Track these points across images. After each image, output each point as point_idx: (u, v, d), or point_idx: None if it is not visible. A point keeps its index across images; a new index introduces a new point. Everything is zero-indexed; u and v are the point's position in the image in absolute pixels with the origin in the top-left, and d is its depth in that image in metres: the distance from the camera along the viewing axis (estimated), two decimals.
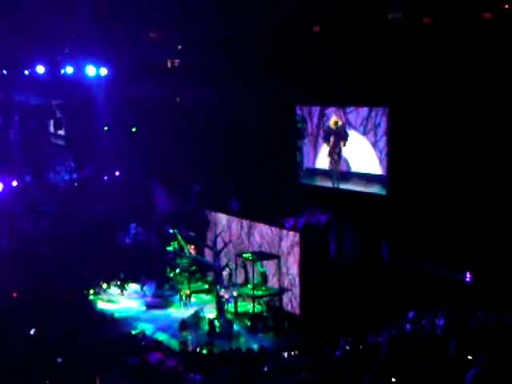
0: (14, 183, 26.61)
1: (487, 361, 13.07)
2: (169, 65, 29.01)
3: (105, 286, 24.73)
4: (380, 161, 21.83)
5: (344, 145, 23.15)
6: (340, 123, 23.18)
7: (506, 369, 13.07)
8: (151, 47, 27.02)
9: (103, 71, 27.77)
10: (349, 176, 23.04)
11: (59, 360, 16.81)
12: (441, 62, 19.16)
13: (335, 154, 23.63)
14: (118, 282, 24.81)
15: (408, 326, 17.09)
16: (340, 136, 23.33)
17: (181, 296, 23.63)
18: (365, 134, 22.32)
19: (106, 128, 30.85)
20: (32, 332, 19.76)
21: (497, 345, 14.20)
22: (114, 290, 24.85)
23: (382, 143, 21.71)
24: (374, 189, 22.11)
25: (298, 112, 24.61)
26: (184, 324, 21.20)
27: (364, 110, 22.33)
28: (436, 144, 19.87)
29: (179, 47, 28.01)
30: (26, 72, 29.36)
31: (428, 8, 18.84)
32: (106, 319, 21.96)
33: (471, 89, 18.65)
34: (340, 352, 16.09)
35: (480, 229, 18.64)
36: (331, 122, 23.55)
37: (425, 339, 15.67)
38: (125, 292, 24.69)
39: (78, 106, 31.12)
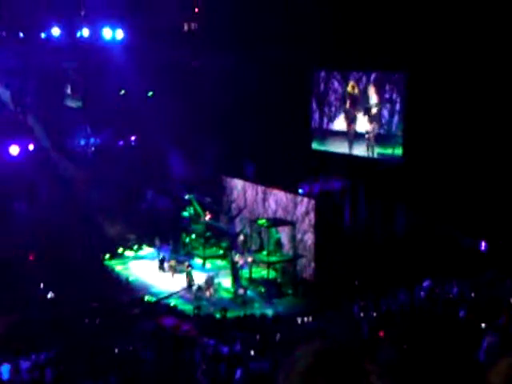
0: (31, 147, 26.50)
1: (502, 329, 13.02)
2: (185, 28, 28.73)
3: (121, 250, 24.87)
4: (397, 123, 21.70)
5: (361, 108, 23.00)
6: (357, 88, 22.95)
7: None
8: (167, 10, 26.76)
9: (119, 34, 27.56)
10: (364, 138, 22.94)
11: (86, 321, 17.08)
12: (459, 24, 18.81)
13: (352, 117, 23.46)
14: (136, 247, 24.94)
15: (422, 294, 17.09)
16: (357, 100, 23.15)
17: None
18: (382, 97, 22.15)
19: (122, 92, 30.67)
20: (49, 295, 20.05)
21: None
22: (129, 253, 25.00)
23: (399, 106, 21.59)
24: (391, 150, 22.06)
25: (315, 76, 24.40)
26: (199, 289, 21.31)
27: (381, 74, 22.14)
28: (453, 107, 19.58)
29: (196, 10, 27.75)
30: (43, 35, 29.21)
31: None
32: (122, 283, 22.15)
33: (493, 53, 18.29)
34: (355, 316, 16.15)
35: (496, 196, 18.46)
36: (349, 87, 23.34)
37: (438, 307, 15.65)
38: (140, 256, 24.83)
39: (95, 69, 30.90)
